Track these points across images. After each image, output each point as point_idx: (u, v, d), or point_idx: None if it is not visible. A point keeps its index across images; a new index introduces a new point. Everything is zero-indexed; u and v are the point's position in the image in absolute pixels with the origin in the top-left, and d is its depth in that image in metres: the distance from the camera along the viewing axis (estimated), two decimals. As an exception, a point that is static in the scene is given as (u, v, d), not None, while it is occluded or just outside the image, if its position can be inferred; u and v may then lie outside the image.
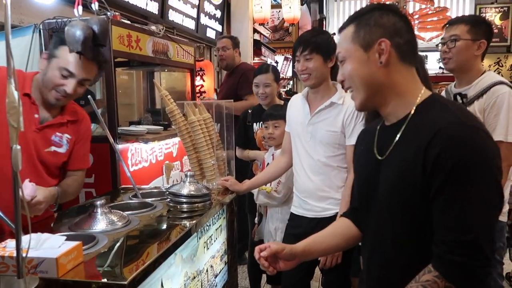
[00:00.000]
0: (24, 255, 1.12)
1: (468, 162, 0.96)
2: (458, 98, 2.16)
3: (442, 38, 2.23)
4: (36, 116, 1.76)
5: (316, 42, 2.06)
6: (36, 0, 1.17)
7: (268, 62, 10.49)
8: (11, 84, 1.09)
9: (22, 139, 1.71)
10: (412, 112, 1.10)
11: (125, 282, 1.15)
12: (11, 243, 1.25)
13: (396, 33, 1.11)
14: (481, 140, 0.99)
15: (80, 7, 1.39)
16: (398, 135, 1.11)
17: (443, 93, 2.40)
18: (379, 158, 1.15)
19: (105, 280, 1.18)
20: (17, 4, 3.40)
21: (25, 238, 1.13)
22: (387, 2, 14.42)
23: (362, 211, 1.26)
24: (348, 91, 1.22)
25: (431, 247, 1.02)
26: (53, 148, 1.82)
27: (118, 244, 1.46)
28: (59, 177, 1.93)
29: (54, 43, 1.75)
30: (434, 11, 14.16)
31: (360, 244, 2.11)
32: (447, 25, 2.22)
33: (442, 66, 2.36)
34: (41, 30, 2.84)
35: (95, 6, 1.50)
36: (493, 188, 0.98)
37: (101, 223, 1.58)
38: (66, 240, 1.28)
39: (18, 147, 1.09)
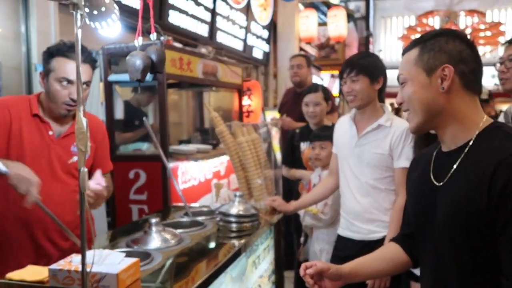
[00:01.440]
0: (88, 270, 1.21)
1: None
2: None
3: (500, 58, 2.15)
4: (51, 133, 1.85)
5: (362, 64, 2.08)
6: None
7: (314, 80, 10.54)
8: (80, 112, 1.20)
9: (45, 157, 1.83)
10: (473, 139, 1.10)
11: (180, 299, 1.21)
12: (76, 258, 1.35)
13: (461, 60, 1.11)
14: None
15: (140, 38, 1.50)
16: (458, 162, 1.10)
17: (501, 115, 2.32)
18: (436, 184, 1.15)
19: (161, 296, 1.24)
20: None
21: (89, 254, 1.22)
22: (436, 16, 14.15)
23: (418, 238, 1.25)
24: (406, 113, 1.23)
25: (497, 277, 1.01)
26: (75, 158, 1.89)
27: (171, 262, 1.53)
28: None
29: (45, 59, 1.84)
30: (488, 26, 13.72)
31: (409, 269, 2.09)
32: (506, 44, 2.15)
33: (497, 83, 2.30)
34: (101, 56, 3.04)
35: (153, 36, 1.60)
36: None
37: (155, 241, 1.66)
38: (125, 256, 1.36)
39: (85, 169, 1.18)
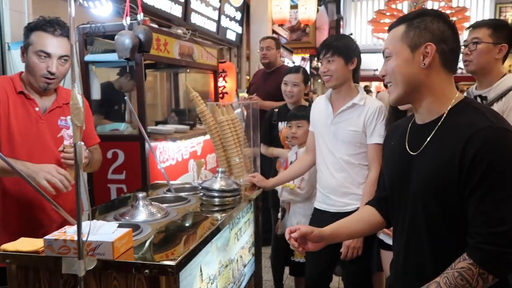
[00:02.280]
0: (84, 239, 1.27)
1: (502, 162, 1.07)
2: (478, 100, 2.21)
3: (464, 41, 2.25)
4: (37, 109, 1.89)
5: (337, 45, 2.18)
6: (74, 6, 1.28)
7: (286, 62, 10.61)
8: (75, 88, 1.24)
9: (35, 134, 1.87)
10: (446, 113, 1.20)
11: (173, 264, 1.29)
12: (70, 229, 1.41)
13: (443, 40, 1.21)
14: (511, 142, 1.10)
15: (128, 18, 1.53)
16: (432, 134, 1.21)
17: (464, 94, 2.46)
18: (411, 153, 1.25)
19: (155, 262, 1.32)
20: (51, 9, 3.59)
21: (84, 224, 1.28)
22: (404, 1, 14.40)
23: (392, 204, 1.37)
24: (388, 85, 1.32)
25: (464, 237, 1.13)
26: (63, 132, 1.96)
27: (160, 233, 1.60)
28: None
29: (25, 33, 1.86)
30: (453, 11, 14.09)
31: (379, 238, 2.22)
32: (470, 28, 2.27)
33: (462, 67, 2.40)
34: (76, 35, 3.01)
35: (140, 17, 1.64)
36: None
37: (142, 214, 1.73)
38: (117, 227, 1.43)
39: (82, 143, 1.23)
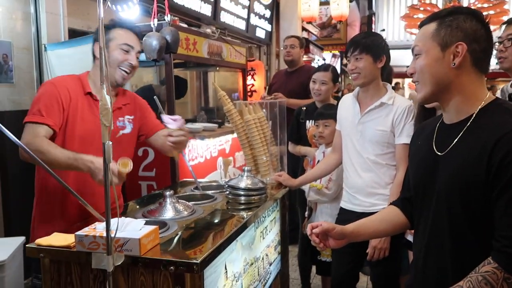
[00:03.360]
0: (112, 235, 1.31)
1: None
2: None
3: (499, 37, 2.19)
4: None
5: (366, 43, 2.15)
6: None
7: (316, 59, 10.53)
8: (104, 89, 1.28)
9: (98, 133, 1.94)
10: (476, 113, 1.18)
11: (198, 261, 1.32)
12: (99, 226, 1.46)
13: (475, 39, 1.18)
14: None
15: (156, 20, 1.57)
16: (460, 134, 1.18)
17: (498, 92, 2.39)
18: (438, 154, 1.23)
19: (180, 259, 1.35)
20: (85, 11, 3.71)
21: (113, 221, 1.32)
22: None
23: (416, 203, 1.35)
24: (415, 84, 1.30)
25: (488, 240, 1.10)
26: (121, 132, 2.06)
27: (186, 230, 1.63)
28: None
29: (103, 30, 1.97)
30: (491, 5, 13.62)
31: (407, 239, 2.19)
32: (506, 24, 2.19)
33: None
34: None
35: (167, 18, 1.68)
36: None
37: (170, 212, 1.77)
38: (144, 224, 1.47)
39: (110, 143, 1.28)
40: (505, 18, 13.70)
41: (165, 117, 1.98)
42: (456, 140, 1.19)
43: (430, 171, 1.25)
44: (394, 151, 2.17)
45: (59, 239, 1.47)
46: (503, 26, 2.20)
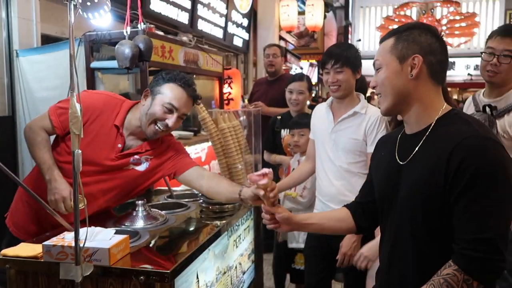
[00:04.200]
0: (81, 245, 1.30)
1: (487, 170, 1.10)
2: (487, 109, 2.09)
3: (490, 47, 2.08)
4: (119, 146, 1.86)
5: (346, 56, 2.19)
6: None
7: (293, 69, 10.63)
8: (73, 97, 1.27)
9: (108, 166, 1.83)
10: (434, 123, 1.24)
11: (168, 271, 1.31)
12: (68, 235, 1.43)
13: (430, 52, 1.24)
14: (497, 152, 1.13)
15: (129, 28, 1.57)
16: (420, 143, 1.24)
17: (469, 99, 2.35)
18: (400, 163, 1.28)
19: (151, 268, 1.34)
20: (59, 17, 3.66)
21: (82, 231, 1.31)
22: (413, 7, 14.38)
23: (382, 212, 1.39)
24: (377, 97, 1.36)
25: (448, 243, 1.15)
26: (131, 167, 1.89)
27: (158, 239, 1.62)
28: (128, 197, 2.01)
29: (158, 80, 1.88)
30: (463, 17, 14.04)
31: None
32: (499, 35, 2.07)
33: (471, 73, 2.33)
34: (83, 43, 3.06)
35: (141, 26, 1.67)
36: (508, 193, 1.12)
37: (142, 220, 1.76)
38: (114, 234, 1.45)
39: (79, 151, 1.26)
40: (476, 30, 14.14)
41: (253, 176, 1.54)
42: (416, 149, 1.25)
43: (394, 180, 1.30)
44: (365, 160, 2.21)
45: (26, 250, 1.44)
46: (495, 38, 2.09)
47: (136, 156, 1.89)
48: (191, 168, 1.95)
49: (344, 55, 2.18)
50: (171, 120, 1.83)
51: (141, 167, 1.90)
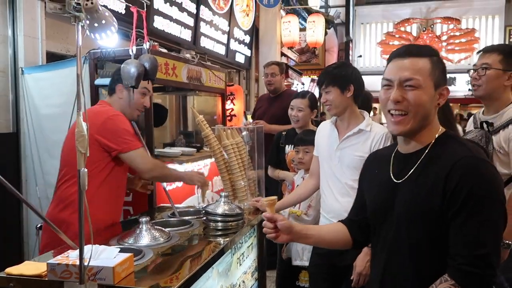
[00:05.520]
0: (85, 264, 1.29)
1: (481, 189, 1.16)
2: (485, 125, 2.16)
3: (474, 65, 2.27)
4: None
5: (332, 75, 2.23)
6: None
7: (295, 84, 10.68)
8: (80, 117, 1.28)
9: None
10: (432, 144, 1.29)
11: (173, 290, 1.30)
12: (72, 253, 1.43)
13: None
14: (489, 172, 1.20)
15: (135, 47, 1.59)
16: (418, 163, 1.28)
17: (471, 119, 2.41)
18: (396, 181, 1.32)
19: (155, 287, 1.33)
20: (64, 35, 3.70)
21: (86, 249, 1.31)
22: (413, 23, 14.50)
23: (375, 228, 1.41)
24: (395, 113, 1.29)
25: (444, 259, 1.19)
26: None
27: (161, 258, 1.62)
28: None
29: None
30: (462, 33, 14.14)
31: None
32: (481, 52, 2.24)
33: (471, 89, 2.37)
34: (87, 60, 3.09)
35: (146, 45, 1.69)
36: (500, 211, 1.18)
37: (145, 238, 1.75)
38: (119, 252, 1.45)
39: (85, 170, 1.27)
40: (476, 46, 14.23)
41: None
42: (413, 168, 1.28)
43: (389, 197, 1.32)
44: (370, 177, 2.21)
45: (30, 268, 1.44)
46: (478, 55, 2.26)
47: None
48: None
49: (329, 76, 2.23)
50: (147, 102, 2.33)
51: None
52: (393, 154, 1.39)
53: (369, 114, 3.37)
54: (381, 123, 2.34)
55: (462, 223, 1.16)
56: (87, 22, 1.26)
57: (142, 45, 2.51)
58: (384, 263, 1.34)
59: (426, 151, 1.28)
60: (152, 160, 2.30)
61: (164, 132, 5.14)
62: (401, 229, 1.29)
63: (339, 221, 1.59)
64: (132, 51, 1.60)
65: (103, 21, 1.30)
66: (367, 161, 1.57)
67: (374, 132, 2.21)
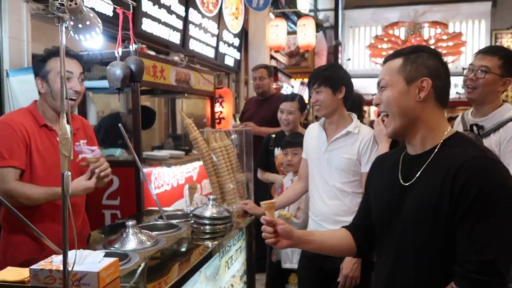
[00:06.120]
0: (69, 269, 1.26)
1: (491, 192, 1.11)
2: (475, 128, 2.13)
3: (470, 64, 2.17)
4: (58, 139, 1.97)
5: (324, 75, 2.22)
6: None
7: (285, 87, 10.70)
8: (64, 118, 1.26)
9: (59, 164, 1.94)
10: (440, 145, 1.26)
11: (158, 295, 1.28)
12: (56, 258, 1.40)
13: (437, 76, 1.27)
14: (501, 173, 1.15)
15: (120, 49, 1.57)
16: (425, 164, 1.25)
17: (458, 118, 2.37)
18: (404, 184, 1.29)
19: (140, 293, 1.31)
20: (50, 37, 3.66)
21: (70, 254, 1.28)
22: (402, 27, 14.64)
23: (380, 232, 1.37)
24: (381, 115, 1.37)
25: (451, 265, 1.15)
26: (80, 156, 2.03)
27: (148, 262, 1.59)
28: None
29: (38, 65, 1.98)
30: (449, 37, 14.30)
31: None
32: (481, 53, 2.15)
33: (459, 92, 2.38)
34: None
35: (132, 47, 1.68)
36: (511, 215, 1.12)
37: (132, 242, 1.72)
38: (104, 256, 1.42)
39: (69, 173, 1.25)
40: (463, 49, 14.37)
41: (84, 147, 1.94)
42: (421, 170, 1.25)
43: (396, 200, 1.29)
44: (359, 179, 2.21)
45: (13, 274, 1.40)
46: (475, 55, 2.17)
47: (77, 143, 2.04)
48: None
49: (321, 75, 2.22)
50: (76, 85, 1.95)
51: (87, 153, 2.03)
52: (401, 156, 1.36)
53: (362, 116, 3.40)
54: (372, 127, 2.33)
55: (470, 228, 1.12)
56: (71, 23, 1.24)
57: (129, 47, 2.47)
58: (389, 271, 1.30)
59: (434, 152, 1.25)
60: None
61: (153, 135, 5.11)
62: (407, 234, 1.25)
63: (343, 227, 1.55)
64: (118, 53, 1.58)
65: (88, 22, 1.28)
66: (374, 165, 1.53)
67: (362, 134, 2.21)
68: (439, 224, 1.16)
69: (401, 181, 1.30)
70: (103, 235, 2.01)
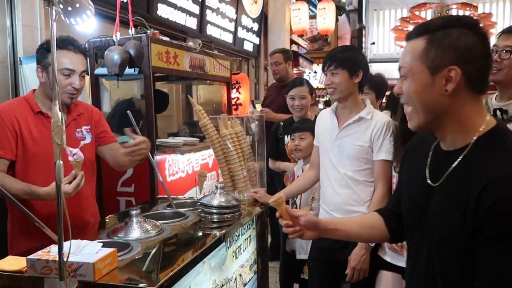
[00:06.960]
0: (65, 259, 1.24)
1: None
2: (498, 113, 2.02)
3: (494, 45, 2.02)
4: None
5: (342, 57, 2.11)
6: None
7: (307, 73, 10.54)
8: (56, 106, 1.22)
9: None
10: (472, 144, 1.05)
11: (155, 286, 1.24)
12: (54, 249, 1.38)
13: (470, 59, 1.02)
14: None
15: (118, 34, 1.52)
16: (454, 166, 1.06)
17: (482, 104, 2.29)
18: (431, 184, 1.11)
19: (137, 283, 1.28)
20: (64, 23, 3.65)
21: (66, 244, 1.25)
22: (428, 9, 14.16)
23: (408, 229, 1.23)
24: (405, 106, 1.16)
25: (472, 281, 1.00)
26: (82, 143, 2.03)
27: (150, 252, 1.56)
28: (95, 172, 2.20)
29: (42, 54, 1.95)
30: (479, 18, 13.76)
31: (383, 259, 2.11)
32: (503, 33, 2.04)
33: None
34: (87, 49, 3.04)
35: (131, 31, 1.63)
36: None
37: (135, 232, 1.70)
38: (103, 246, 1.40)
39: (61, 162, 1.21)
40: (493, 31, 13.85)
41: (67, 148, 1.83)
42: (448, 172, 1.07)
43: (423, 201, 1.14)
44: (371, 168, 2.12)
45: (11, 263, 1.39)
46: (499, 36, 2.07)
47: (78, 129, 2.03)
48: (115, 142, 2.20)
49: (339, 57, 2.11)
50: (75, 82, 1.92)
51: (88, 139, 2.05)
52: (433, 147, 1.16)
53: (382, 100, 3.28)
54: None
55: (491, 255, 0.96)
56: (61, 6, 1.20)
57: (144, 32, 2.41)
58: (416, 279, 1.17)
59: (464, 153, 1.05)
60: None
61: (170, 122, 5.10)
62: (432, 240, 1.09)
63: (375, 210, 1.43)
64: (116, 38, 1.53)
65: (77, 5, 1.24)
66: (410, 145, 1.31)
67: (375, 120, 2.11)
68: (464, 242, 1.00)
69: (428, 179, 1.12)
70: (115, 222, 1.99)
